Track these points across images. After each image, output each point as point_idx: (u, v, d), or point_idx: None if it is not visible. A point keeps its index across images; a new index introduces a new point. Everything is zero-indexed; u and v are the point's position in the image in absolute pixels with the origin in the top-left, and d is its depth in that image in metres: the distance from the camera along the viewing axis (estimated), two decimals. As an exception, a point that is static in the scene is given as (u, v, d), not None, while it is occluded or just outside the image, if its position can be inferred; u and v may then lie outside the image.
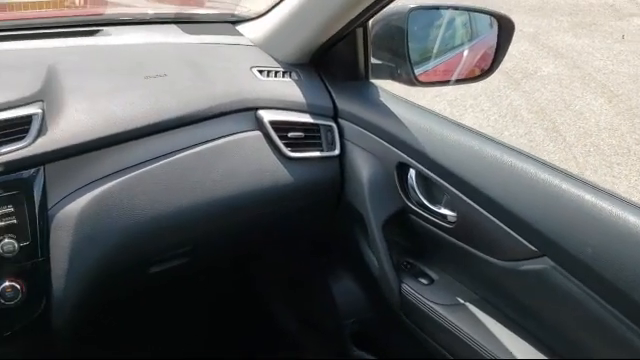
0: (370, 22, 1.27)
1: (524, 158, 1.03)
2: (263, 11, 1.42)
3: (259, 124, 1.24)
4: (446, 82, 1.44)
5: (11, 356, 1.11)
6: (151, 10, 1.53)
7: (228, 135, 1.20)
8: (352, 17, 1.18)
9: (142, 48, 1.30)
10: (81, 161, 1.06)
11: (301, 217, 1.37)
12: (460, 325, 1.12)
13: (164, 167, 1.13)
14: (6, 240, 0.98)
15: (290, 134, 1.25)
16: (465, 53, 1.41)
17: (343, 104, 1.30)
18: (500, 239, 1.03)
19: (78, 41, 1.28)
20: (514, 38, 1.33)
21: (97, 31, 1.33)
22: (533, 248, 0.98)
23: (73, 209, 1.04)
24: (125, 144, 1.10)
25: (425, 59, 1.34)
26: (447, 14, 1.39)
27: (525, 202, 1.00)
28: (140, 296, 1.52)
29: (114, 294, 1.25)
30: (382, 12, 1.21)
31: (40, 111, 1.02)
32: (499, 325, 1.10)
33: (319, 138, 1.28)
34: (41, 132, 1.01)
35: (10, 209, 0.99)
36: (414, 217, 1.21)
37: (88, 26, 1.35)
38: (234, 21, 1.47)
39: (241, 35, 1.42)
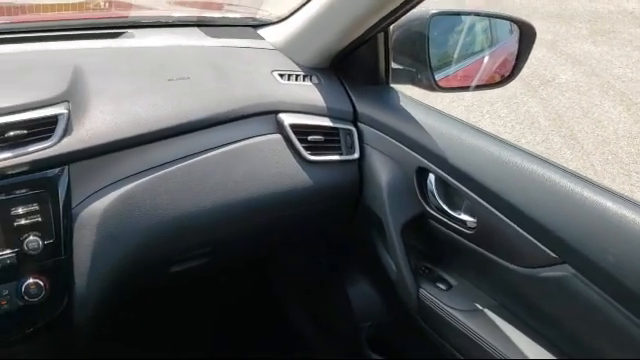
0: (391, 27, 1.27)
1: (545, 164, 1.03)
2: (284, 15, 1.43)
3: (279, 127, 1.24)
4: (466, 88, 1.44)
5: (38, 355, 1.13)
6: (174, 13, 1.54)
7: (249, 138, 1.22)
8: (374, 22, 1.19)
9: (165, 51, 1.31)
10: (105, 161, 1.08)
11: (319, 220, 1.37)
12: (478, 331, 1.12)
13: (186, 168, 1.14)
14: (31, 237, 1.00)
15: (310, 137, 1.26)
16: (485, 59, 1.41)
17: (363, 108, 1.30)
18: (520, 245, 1.03)
19: (102, 43, 1.30)
20: (532, 45, 1.33)
21: (121, 33, 1.35)
22: (553, 255, 0.98)
23: (96, 208, 1.06)
24: (148, 145, 1.12)
25: (445, 64, 1.34)
26: (467, 20, 1.40)
27: (546, 208, 0.99)
28: (159, 295, 1.53)
29: (135, 293, 1.26)
30: (403, 17, 1.22)
31: (66, 111, 1.03)
32: (517, 332, 1.10)
33: (338, 142, 1.29)
34: (66, 132, 1.03)
35: (35, 207, 1.01)
36: (433, 222, 1.21)
37: (112, 28, 1.37)
38: (255, 25, 1.48)
39: (262, 39, 1.43)
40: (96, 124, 1.06)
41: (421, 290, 1.23)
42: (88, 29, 1.35)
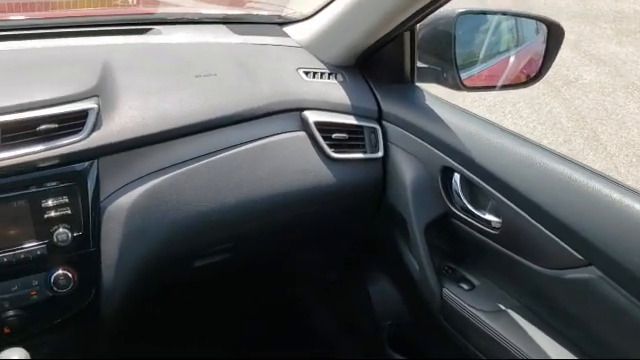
0: (417, 25, 1.27)
1: (573, 165, 1.02)
2: (310, 13, 1.43)
3: (304, 125, 1.25)
4: (492, 87, 1.44)
5: (63, 346, 1.15)
6: (200, 10, 1.56)
7: (274, 135, 1.22)
8: (401, 21, 1.19)
9: (192, 47, 1.33)
10: (133, 156, 1.09)
11: (342, 218, 1.38)
12: (501, 331, 1.12)
13: (211, 164, 1.15)
14: (61, 230, 1.02)
15: (334, 135, 1.26)
16: (511, 59, 1.40)
17: (388, 106, 1.30)
18: (545, 246, 1.02)
19: (130, 39, 1.31)
20: (555, 45, 1.32)
21: (148, 30, 1.36)
22: (580, 257, 0.97)
23: (124, 202, 1.07)
24: (175, 141, 1.13)
25: (471, 64, 1.34)
26: (493, 19, 1.39)
27: (573, 210, 0.99)
28: (182, 291, 1.55)
29: (159, 286, 1.28)
30: (429, 16, 1.21)
31: (96, 106, 1.05)
32: (542, 333, 1.09)
33: (363, 140, 1.29)
34: (96, 126, 1.04)
35: (65, 200, 1.02)
36: (457, 222, 1.21)
37: (139, 25, 1.38)
38: (281, 22, 1.49)
39: (288, 36, 1.44)
40: (125, 119, 1.08)
41: (444, 290, 1.23)
42: (115, 25, 1.37)
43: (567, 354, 1.05)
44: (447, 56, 1.25)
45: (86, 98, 1.05)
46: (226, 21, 1.47)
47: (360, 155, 1.28)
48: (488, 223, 1.14)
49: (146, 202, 1.09)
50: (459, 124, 1.19)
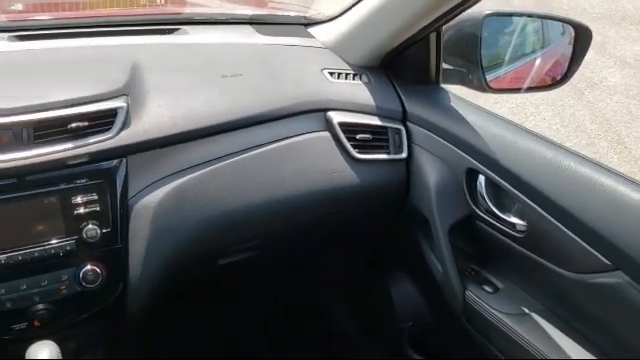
0: (443, 27, 1.27)
1: (600, 169, 1.01)
2: (335, 14, 1.44)
3: (328, 125, 1.26)
4: (517, 90, 1.43)
5: (88, 339, 1.17)
6: (227, 11, 1.57)
7: (298, 135, 1.23)
8: (427, 23, 1.19)
9: (219, 47, 1.34)
10: (160, 154, 1.11)
11: (365, 218, 1.38)
12: (524, 334, 1.11)
13: (237, 163, 1.16)
14: (90, 226, 1.04)
15: (358, 136, 1.27)
16: (537, 61, 1.39)
17: (413, 107, 1.30)
18: (571, 251, 1.01)
19: (158, 39, 1.33)
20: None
21: (175, 30, 1.38)
22: (607, 262, 0.96)
23: (151, 201, 1.09)
24: (202, 140, 1.14)
25: (496, 65, 1.33)
26: (519, 21, 1.38)
27: (600, 214, 0.98)
28: (205, 289, 1.56)
29: (184, 284, 1.29)
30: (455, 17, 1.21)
31: (125, 105, 1.06)
32: (566, 337, 1.09)
33: (387, 141, 1.30)
34: (125, 125, 1.06)
35: (94, 197, 1.04)
36: (481, 224, 1.20)
37: (166, 25, 1.40)
38: (306, 23, 1.50)
39: (313, 37, 1.45)
40: (153, 118, 1.09)
41: (467, 292, 1.22)
42: (143, 25, 1.39)
43: (591, 358, 1.04)
44: (473, 58, 1.24)
45: (115, 97, 1.07)
46: (252, 22, 1.48)
47: (384, 156, 1.28)
48: (513, 226, 1.14)
49: (173, 200, 1.10)
50: (484, 126, 1.19)
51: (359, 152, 1.26)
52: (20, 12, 1.51)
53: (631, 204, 0.95)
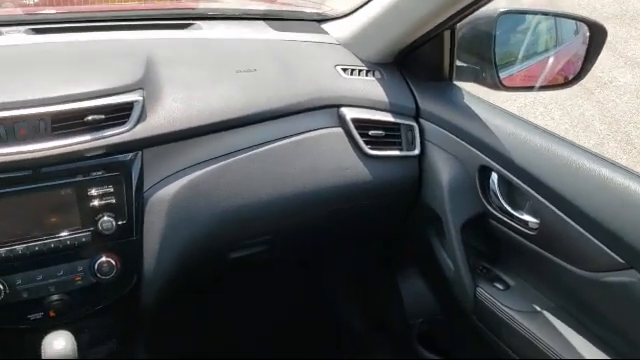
0: (457, 24, 1.27)
1: (614, 168, 1.01)
2: (348, 11, 1.44)
3: (341, 121, 1.26)
4: (530, 88, 1.43)
5: (100, 331, 1.17)
6: (240, 6, 1.58)
7: (311, 130, 1.24)
8: (442, 20, 1.19)
9: (233, 43, 1.34)
10: (175, 148, 1.11)
11: (377, 215, 1.38)
12: (536, 332, 1.11)
13: (250, 158, 1.17)
14: (105, 218, 1.05)
15: (371, 132, 1.27)
16: (550, 59, 1.39)
17: (426, 104, 1.30)
18: (584, 249, 1.02)
19: (173, 33, 1.33)
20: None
21: (189, 24, 1.38)
22: (620, 260, 0.96)
23: (166, 194, 1.10)
24: (216, 134, 1.15)
25: (509, 63, 1.33)
26: (532, 19, 1.38)
27: (613, 212, 0.98)
28: (216, 284, 1.57)
29: (196, 278, 1.30)
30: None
31: (141, 98, 1.07)
32: (577, 335, 1.09)
33: (399, 137, 1.30)
34: (141, 118, 1.07)
35: (110, 189, 1.05)
36: (493, 222, 1.20)
37: (180, 19, 1.41)
38: (320, 20, 1.50)
39: (326, 33, 1.45)
40: (169, 112, 1.10)
41: (478, 289, 1.23)
42: (158, 19, 1.39)
43: (602, 355, 1.04)
44: (486, 55, 1.24)
45: (132, 90, 1.08)
46: (266, 17, 1.48)
47: (396, 152, 1.29)
48: (525, 224, 1.14)
49: (187, 194, 1.11)
50: (498, 123, 1.19)
51: (371, 148, 1.27)
52: (36, 5, 1.52)
53: None
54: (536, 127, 1.17)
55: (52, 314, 1.06)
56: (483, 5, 1.15)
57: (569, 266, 1.06)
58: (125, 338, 1.24)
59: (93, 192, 1.04)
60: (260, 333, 1.74)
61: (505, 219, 1.17)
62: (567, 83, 1.37)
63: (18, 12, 1.41)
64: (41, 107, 1.00)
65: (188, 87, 1.15)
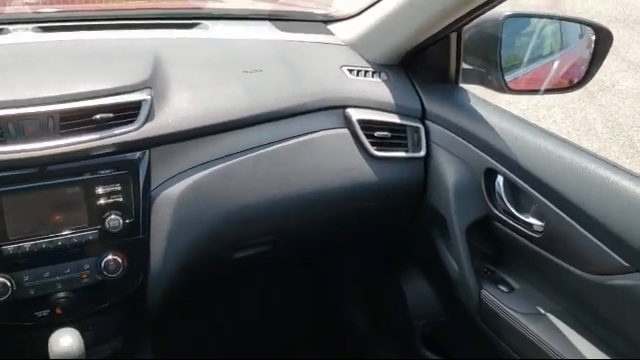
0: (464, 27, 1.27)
1: (618, 171, 1.02)
2: (354, 12, 1.44)
3: (347, 122, 1.26)
4: (535, 91, 1.44)
5: (104, 330, 1.18)
6: (247, 6, 1.58)
7: (317, 131, 1.24)
8: (449, 22, 1.19)
9: (239, 43, 1.35)
10: (182, 147, 1.12)
11: (382, 217, 1.39)
12: (540, 334, 1.12)
13: (255, 159, 1.18)
14: (112, 216, 1.05)
15: (377, 133, 1.27)
16: (555, 63, 1.40)
17: (432, 106, 1.31)
18: (589, 252, 1.02)
19: (179, 33, 1.34)
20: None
21: (196, 24, 1.39)
22: (625, 263, 0.97)
23: (172, 193, 1.10)
24: (222, 134, 1.16)
25: (514, 66, 1.34)
26: (538, 22, 1.38)
27: (619, 215, 0.98)
28: (220, 285, 1.57)
29: (201, 277, 1.31)
30: (476, 18, 1.22)
31: (149, 97, 1.07)
32: (581, 338, 1.09)
33: (405, 139, 1.30)
34: (149, 117, 1.07)
35: (117, 188, 1.05)
36: (498, 224, 1.21)
37: (187, 19, 1.41)
38: (326, 20, 1.50)
39: (332, 34, 1.45)
40: (176, 111, 1.10)
41: (482, 291, 1.23)
42: (165, 19, 1.40)
43: (606, 359, 1.05)
44: (492, 58, 1.25)
45: (139, 90, 1.08)
46: (272, 18, 1.49)
47: (402, 154, 1.29)
48: (530, 226, 1.14)
49: (194, 193, 1.11)
50: (504, 126, 1.19)
51: (377, 149, 1.27)
52: (44, 3, 1.52)
53: None
54: (542, 130, 1.17)
55: (58, 311, 1.06)
56: (491, 8, 1.16)
57: (573, 269, 1.06)
58: (130, 337, 1.24)
59: (100, 190, 1.05)
60: (263, 333, 1.74)
61: (510, 221, 1.17)
62: (572, 87, 1.37)
63: (26, 10, 1.41)
64: (50, 105, 1.00)
65: (195, 87, 1.16)
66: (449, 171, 1.26)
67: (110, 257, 1.06)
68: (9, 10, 1.42)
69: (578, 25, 1.38)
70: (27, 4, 1.45)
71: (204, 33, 1.36)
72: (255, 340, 1.72)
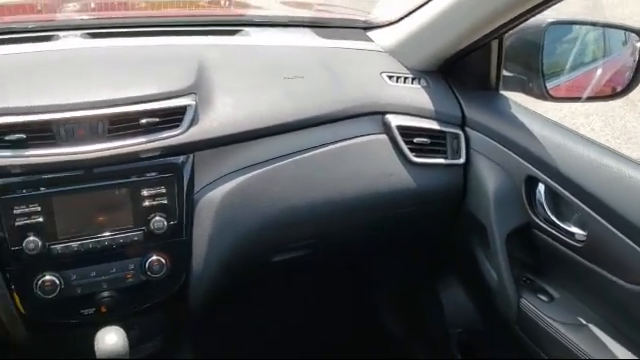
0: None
1: None
2: (395, 19, 1.45)
3: (386, 128, 1.27)
4: (577, 98, 1.42)
5: (147, 329, 1.20)
6: (288, 13, 1.60)
7: (357, 137, 1.25)
8: (491, 30, 1.19)
9: (281, 50, 1.37)
10: (225, 151, 1.14)
11: (420, 223, 1.39)
12: (581, 344, 1.10)
13: (297, 163, 1.19)
14: (157, 218, 1.08)
15: (416, 140, 1.27)
16: (597, 70, 1.38)
17: (472, 113, 1.30)
18: (632, 261, 1.00)
19: (222, 39, 1.36)
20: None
21: (238, 31, 1.41)
22: None
23: (216, 195, 1.12)
24: (264, 139, 1.18)
25: (556, 73, 1.32)
26: (581, 29, 1.37)
27: None
28: (259, 288, 1.59)
29: (241, 280, 1.32)
30: (518, 25, 1.21)
31: (194, 102, 1.10)
32: (623, 349, 1.07)
33: (444, 145, 1.30)
34: (193, 122, 1.09)
35: (163, 190, 1.08)
36: (539, 233, 1.20)
37: (229, 26, 1.44)
38: (365, 27, 1.51)
39: (372, 41, 1.46)
40: (220, 116, 1.13)
41: (522, 300, 1.22)
42: (207, 26, 1.43)
43: None
44: (534, 65, 1.24)
45: (184, 95, 1.10)
46: (312, 24, 1.50)
47: (441, 161, 1.29)
48: (571, 235, 1.13)
49: (236, 196, 1.13)
50: (545, 134, 1.18)
51: (416, 156, 1.27)
52: (92, 11, 1.57)
53: None
54: (584, 138, 1.16)
55: (103, 310, 1.09)
56: (533, 16, 1.15)
57: (616, 279, 1.04)
58: (171, 337, 1.27)
59: (146, 193, 1.07)
60: (302, 335, 1.75)
61: (551, 230, 1.16)
62: (615, 95, 1.35)
63: (75, 17, 1.46)
64: (99, 109, 1.03)
65: (238, 92, 1.18)
66: (489, 179, 1.25)
67: (154, 258, 1.09)
68: (59, 17, 1.47)
69: (622, 32, 1.36)
70: (76, 12, 1.50)
71: (246, 40, 1.39)
72: (294, 342, 1.73)
